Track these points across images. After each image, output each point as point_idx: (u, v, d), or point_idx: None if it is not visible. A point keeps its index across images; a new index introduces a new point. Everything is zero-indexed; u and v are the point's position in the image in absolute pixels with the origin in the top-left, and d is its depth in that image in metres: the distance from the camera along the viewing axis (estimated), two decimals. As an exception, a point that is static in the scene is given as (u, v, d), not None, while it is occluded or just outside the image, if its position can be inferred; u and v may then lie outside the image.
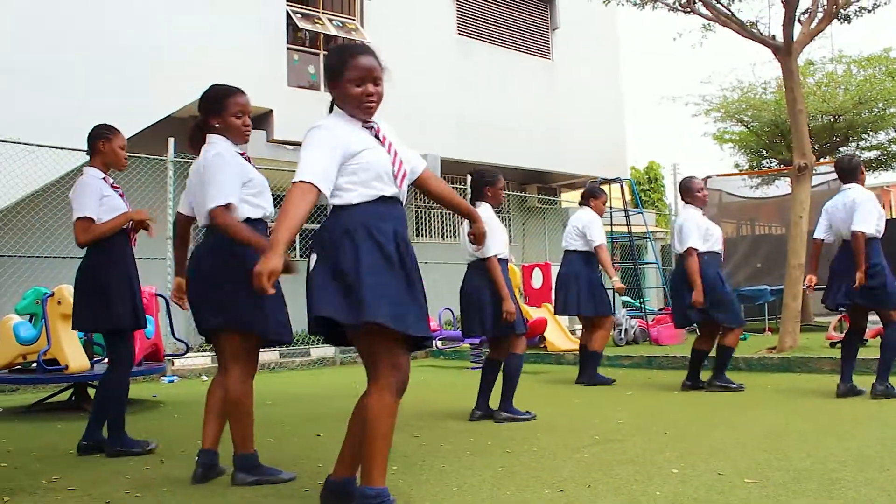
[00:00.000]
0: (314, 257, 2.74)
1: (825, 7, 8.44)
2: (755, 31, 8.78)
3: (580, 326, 11.81)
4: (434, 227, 14.67)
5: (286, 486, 3.35)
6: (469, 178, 5.47)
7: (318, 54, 12.74)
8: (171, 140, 9.01)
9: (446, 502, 2.97)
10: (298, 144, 11.29)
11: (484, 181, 5.21)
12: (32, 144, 8.20)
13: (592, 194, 7.30)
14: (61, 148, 8.38)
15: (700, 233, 6.24)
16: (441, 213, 14.68)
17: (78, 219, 4.18)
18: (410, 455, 3.57)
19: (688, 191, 6.48)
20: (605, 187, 12.12)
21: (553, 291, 7.22)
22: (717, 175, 13.50)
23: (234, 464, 3.43)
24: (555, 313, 7.50)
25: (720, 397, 5.84)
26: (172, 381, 8.17)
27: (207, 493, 3.25)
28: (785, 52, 8.32)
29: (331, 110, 2.90)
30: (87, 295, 4.24)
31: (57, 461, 4.06)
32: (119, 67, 10.02)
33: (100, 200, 4.24)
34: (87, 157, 4.44)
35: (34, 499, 3.24)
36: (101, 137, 4.39)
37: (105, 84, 9.80)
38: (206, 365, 8.87)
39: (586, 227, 7.00)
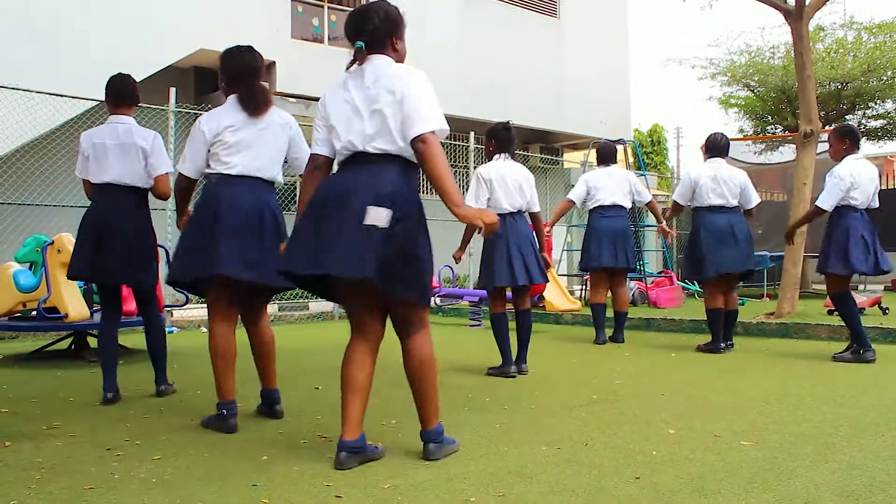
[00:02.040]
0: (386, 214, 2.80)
1: (839, -30, 8.30)
2: (767, -7, 8.64)
3: (578, 287, 11.89)
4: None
5: (283, 437, 3.37)
6: (489, 131, 5.45)
7: (322, 6, 12.57)
8: (173, 90, 8.91)
9: (443, 458, 2.99)
10: (301, 97, 11.28)
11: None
12: (32, 91, 8.11)
13: (615, 153, 7.47)
14: (61, 95, 8.30)
15: None
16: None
17: (170, 173, 4.34)
18: (408, 410, 3.58)
19: (729, 148, 6.62)
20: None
21: (601, 242, 7.05)
22: (722, 139, 13.40)
23: (274, 399, 3.81)
24: (607, 265, 7.13)
25: (717, 360, 5.87)
26: (171, 332, 8.20)
27: (207, 442, 3.28)
28: (796, 16, 8.21)
29: (353, 63, 2.93)
30: (150, 250, 4.39)
31: (57, 408, 4.09)
32: (121, 16, 9.89)
33: None
34: (113, 106, 4.36)
35: (35, 444, 3.26)
36: (137, 90, 4.42)
37: (106, 33, 9.68)
38: (205, 316, 8.88)
39: (637, 185, 7.24)
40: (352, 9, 12.95)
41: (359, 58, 2.93)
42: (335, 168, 3.02)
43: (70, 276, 4.41)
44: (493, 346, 5.38)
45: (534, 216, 5.39)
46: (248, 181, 3.63)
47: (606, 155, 7.34)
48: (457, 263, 5.22)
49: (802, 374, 5.16)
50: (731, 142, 6.78)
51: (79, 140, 4.32)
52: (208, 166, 3.65)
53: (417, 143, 2.79)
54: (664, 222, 7.22)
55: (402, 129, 2.81)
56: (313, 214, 2.86)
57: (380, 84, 2.85)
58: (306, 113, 10.79)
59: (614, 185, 7.12)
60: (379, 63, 2.92)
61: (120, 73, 4.40)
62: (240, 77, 3.69)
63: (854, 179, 5.66)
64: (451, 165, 14.54)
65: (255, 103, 3.66)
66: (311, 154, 3.06)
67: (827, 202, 5.70)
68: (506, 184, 5.22)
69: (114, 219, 4.22)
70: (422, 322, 2.98)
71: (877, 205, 5.81)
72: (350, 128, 2.88)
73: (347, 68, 2.97)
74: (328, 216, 2.82)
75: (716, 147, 6.51)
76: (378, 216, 2.77)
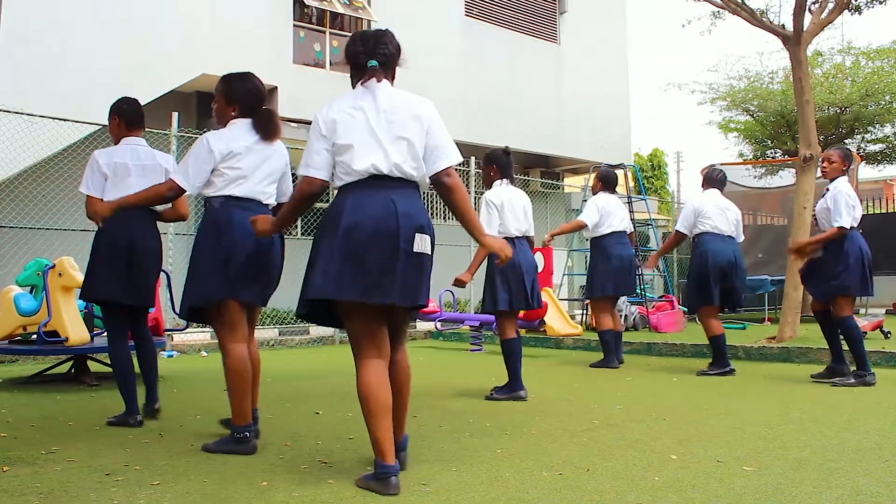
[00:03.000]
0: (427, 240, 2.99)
1: (837, -3, 8.38)
2: (765, 19, 8.73)
3: (578, 312, 11.86)
4: (436, 209, 14.66)
5: (284, 463, 3.35)
6: (489, 156, 5.49)
7: (323, 32, 12.67)
8: (175, 114, 8.97)
9: (445, 483, 2.97)
10: (303, 122, 11.35)
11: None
12: (35, 115, 8.15)
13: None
14: (64, 119, 8.34)
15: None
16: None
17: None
18: (409, 435, 3.57)
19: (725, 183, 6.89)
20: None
21: (608, 272, 7.06)
22: (721, 164, 13.44)
23: (254, 417, 3.69)
24: (629, 292, 7.38)
25: (719, 385, 5.85)
26: (172, 357, 8.18)
27: (207, 467, 3.25)
28: (794, 41, 8.27)
29: (368, 79, 3.02)
30: (159, 272, 4.49)
31: (56, 432, 4.07)
32: (124, 42, 9.97)
33: None
34: (110, 130, 4.42)
35: (33, 469, 3.24)
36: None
37: (110, 58, 9.76)
38: (206, 340, 8.87)
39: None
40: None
41: (374, 75, 3.00)
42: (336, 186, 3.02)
43: (95, 300, 4.36)
44: (493, 371, 5.37)
45: (530, 240, 5.48)
46: (254, 204, 3.68)
47: (613, 181, 7.43)
48: (462, 287, 5.22)
49: (804, 398, 5.14)
50: (731, 166, 6.86)
51: (93, 158, 4.25)
52: (207, 187, 3.66)
53: (443, 176, 2.96)
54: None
55: (430, 159, 2.95)
56: (357, 242, 2.84)
57: (402, 110, 2.95)
58: (307, 137, 10.84)
59: (624, 212, 7.25)
60: (388, 88, 3.02)
61: (128, 97, 4.43)
62: (254, 102, 3.74)
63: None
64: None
65: (274, 129, 3.73)
66: (308, 177, 2.98)
67: (848, 221, 5.61)
68: (513, 208, 5.27)
69: (141, 240, 4.27)
70: (406, 334, 3.25)
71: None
72: (371, 150, 2.90)
73: (361, 84, 3.03)
74: (378, 245, 2.85)
75: (713, 180, 6.74)
76: (425, 244, 2.93)
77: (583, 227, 7.26)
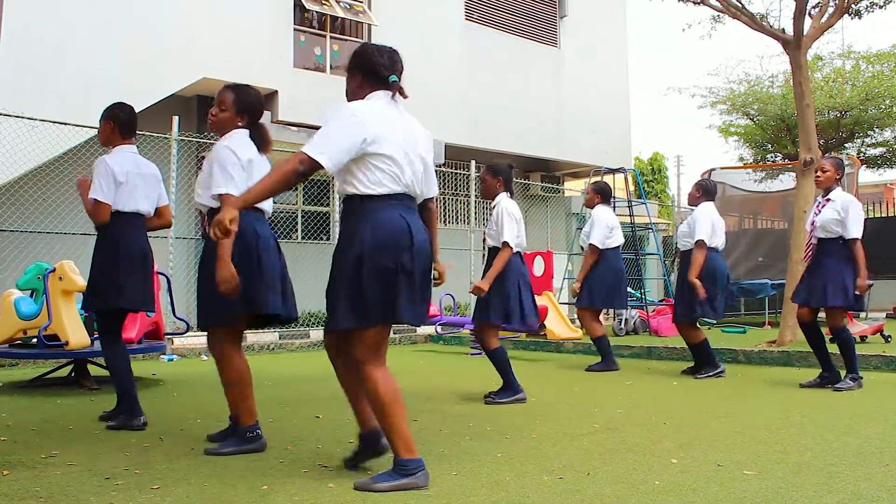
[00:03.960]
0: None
1: (837, 1, 8.39)
2: (765, 23, 8.74)
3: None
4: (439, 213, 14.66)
5: (284, 466, 3.35)
6: (495, 168, 5.53)
7: (324, 36, 12.68)
8: (176, 118, 8.97)
9: (445, 487, 2.97)
10: (303, 126, 11.36)
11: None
12: (35, 119, 8.16)
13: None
14: (65, 123, 8.35)
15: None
16: (443, 198, 14.67)
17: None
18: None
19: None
20: (609, 177, 12.11)
21: (613, 285, 7.12)
22: (721, 168, 13.46)
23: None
24: (614, 307, 7.51)
25: (719, 388, 5.84)
26: (172, 360, 8.17)
27: (207, 471, 3.25)
28: (794, 45, 8.28)
29: (393, 94, 3.09)
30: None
31: (56, 436, 4.07)
32: (124, 45, 9.98)
33: None
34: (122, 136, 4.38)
35: (34, 473, 3.24)
36: None
37: (110, 61, 9.76)
38: (206, 344, 8.85)
39: None
40: (354, 38, 13.00)
41: (399, 90, 3.07)
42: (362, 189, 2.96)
43: (121, 308, 4.29)
44: (493, 375, 5.36)
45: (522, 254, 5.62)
46: (263, 216, 3.76)
47: (609, 193, 7.50)
48: (482, 296, 5.28)
49: (804, 402, 5.13)
50: (731, 170, 6.89)
51: (107, 166, 4.16)
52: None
53: (430, 203, 3.19)
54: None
55: (424, 184, 3.11)
56: (413, 262, 2.94)
57: (418, 136, 3.07)
58: (333, 123, 10.85)
59: (615, 228, 7.30)
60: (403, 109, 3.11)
61: (123, 103, 4.41)
62: (258, 114, 3.79)
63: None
64: (452, 194, 14.62)
65: (269, 142, 3.79)
66: (316, 163, 2.85)
67: (860, 232, 5.63)
68: (521, 227, 5.41)
69: (148, 248, 4.35)
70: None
71: None
72: (408, 169, 2.99)
73: (389, 96, 3.06)
74: (423, 265, 3.01)
75: (709, 191, 6.78)
76: None
77: (596, 249, 7.17)
